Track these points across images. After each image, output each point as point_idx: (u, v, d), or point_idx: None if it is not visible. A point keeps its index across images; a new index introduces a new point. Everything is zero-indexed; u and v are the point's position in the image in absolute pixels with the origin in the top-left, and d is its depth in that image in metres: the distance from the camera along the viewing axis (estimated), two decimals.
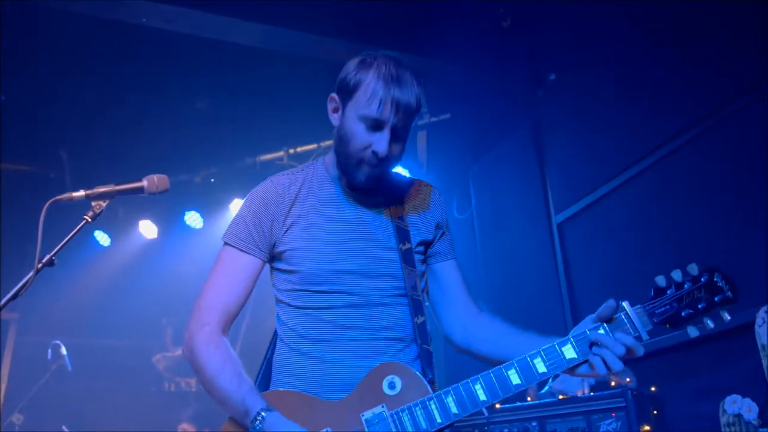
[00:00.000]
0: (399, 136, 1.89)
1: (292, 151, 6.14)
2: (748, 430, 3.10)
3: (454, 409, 1.74)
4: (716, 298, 1.74)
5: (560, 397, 3.34)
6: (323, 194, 2.00)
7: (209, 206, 6.58)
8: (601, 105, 4.46)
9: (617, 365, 1.69)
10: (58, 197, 1.89)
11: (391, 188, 2.07)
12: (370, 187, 1.97)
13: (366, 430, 1.75)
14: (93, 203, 1.92)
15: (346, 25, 4.83)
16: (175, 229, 6.73)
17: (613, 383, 3.36)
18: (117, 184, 1.95)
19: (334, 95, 1.96)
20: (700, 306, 1.74)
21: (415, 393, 1.77)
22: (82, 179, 5.64)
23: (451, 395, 1.75)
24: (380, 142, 1.84)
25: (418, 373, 1.81)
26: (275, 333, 2.03)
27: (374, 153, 1.85)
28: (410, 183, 2.15)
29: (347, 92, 1.89)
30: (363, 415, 1.76)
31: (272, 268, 2.02)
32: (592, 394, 3.26)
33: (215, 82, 5.40)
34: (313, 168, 2.07)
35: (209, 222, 6.59)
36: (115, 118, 5.59)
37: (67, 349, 5.79)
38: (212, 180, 6.50)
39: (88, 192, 1.92)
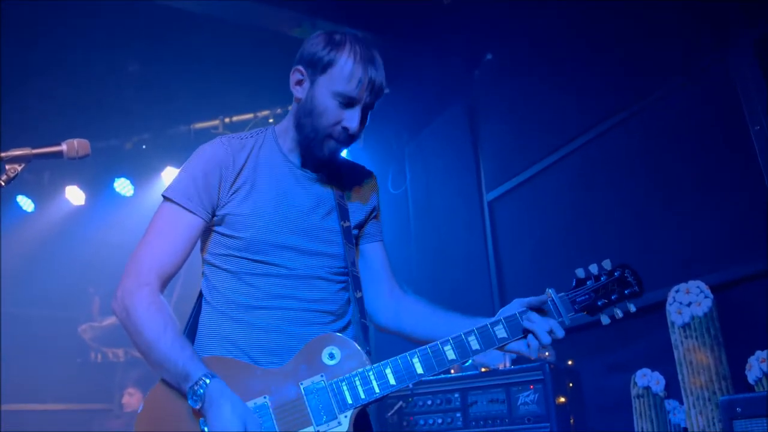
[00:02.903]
0: (366, 115, 1.95)
1: (227, 120, 6.02)
2: (655, 401, 3.31)
3: (391, 381, 1.80)
4: (626, 291, 1.95)
5: (482, 369, 3.46)
6: (272, 166, 1.99)
7: (140, 173, 6.36)
8: (535, 85, 4.56)
9: (546, 339, 1.86)
10: None
11: (336, 168, 2.11)
12: (328, 162, 2.01)
13: (304, 398, 1.77)
14: (7, 167, 1.82)
15: None
16: (103, 196, 6.50)
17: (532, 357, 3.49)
18: (34, 147, 1.84)
19: (300, 68, 1.96)
20: (612, 297, 1.94)
21: (354, 364, 1.81)
22: (5, 141, 5.40)
23: (390, 367, 1.81)
24: (352, 120, 1.90)
25: (357, 345, 1.85)
26: (200, 295, 2.01)
27: (344, 129, 1.90)
28: (353, 165, 2.21)
29: (319, 67, 1.91)
30: (301, 384, 1.78)
31: (207, 230, 1.98)
32: (512, 367, 3.39)
33: (149, 45, 5.20)
34: (263, 136, 2.05)
35: (140, 190, 6.41)
36: (42, 79, 5.34)
37: None
38: (144, 146, 6.30)
39: (2, 155, 1.82)
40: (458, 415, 3.40)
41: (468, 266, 4.94)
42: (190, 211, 1.90)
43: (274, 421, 1.74)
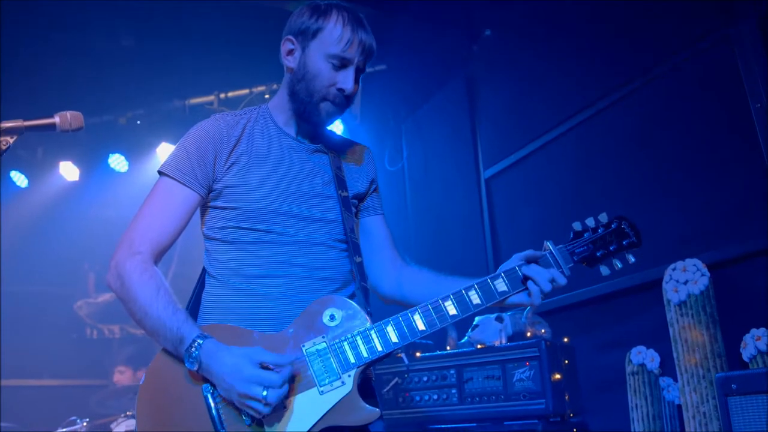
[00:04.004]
0: (358, 77, 1.98)
1: (222, 95, 5.96)
2: (649, 378, 3.32)
3: (394, 338, 1.81)
4: (624, 242, 1.97)
5: (478, 346, 3.47)
6: (267, 138, 2.02)
7: (135, 149, 6.31)
8: (534, 62, 4.51)
9: (548, 287, 1.87)
10: None
11: (332, 142, 2.14)
12: (324, 130, 2.06)
13: (307, 360, 1.77)
14: None
15: None
16: (97, 172, 6.46)
17: (528, 334, 3.50)
18: (26, 119, 1.81)
19: (290, 37, 1.99)
20: (611, 248, 1.96)
21: (356, 324, 1.83)
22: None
23: (391, 325, 1.82)
24: (346, 80, 1.94)
25: (357, 305, 1.86)
26: (203, 270, 2.03)
27: (340, 90, 1.94)
28: (348, 141, 2.24)
29: (309, 34, 1.95)
30: (303, 345, 1.79)
31: (205, 206, 2.01)
32: (508, 344, 3.40)
33: (144, 20, 5.15)
34: (256, 112, 2.08)
35: (134, 165, 6.37)
36: (35, 54, 5.27)
37: None
38: (138, 122, 6.24)
39: None
40: (454, 391, 3.41)
41: (465, 244, 4.94)
42: (185, 185, 1.92)
43: None
